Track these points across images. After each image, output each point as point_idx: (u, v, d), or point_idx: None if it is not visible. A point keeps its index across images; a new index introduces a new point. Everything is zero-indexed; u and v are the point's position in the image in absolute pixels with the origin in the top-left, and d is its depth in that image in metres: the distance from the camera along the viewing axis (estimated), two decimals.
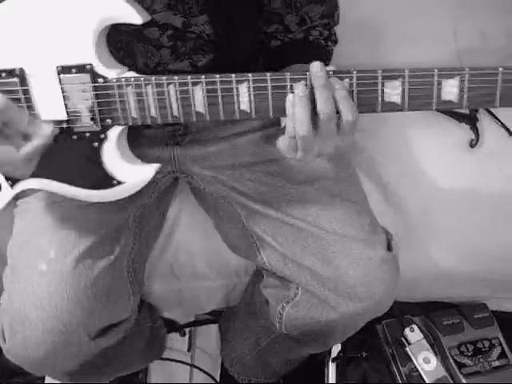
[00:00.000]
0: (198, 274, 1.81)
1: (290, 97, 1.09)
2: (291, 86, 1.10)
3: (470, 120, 1.77)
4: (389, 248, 1.47)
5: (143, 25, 1.15)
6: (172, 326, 2.11)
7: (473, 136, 1.76)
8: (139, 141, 1.32)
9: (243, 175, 1.49)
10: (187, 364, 2.07)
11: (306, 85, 1.08)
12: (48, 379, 1.96)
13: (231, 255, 1.72)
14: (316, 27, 1.39)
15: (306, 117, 1.07)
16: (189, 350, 2.11)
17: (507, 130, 1.76)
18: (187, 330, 2.12)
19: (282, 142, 1.14)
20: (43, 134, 1.13)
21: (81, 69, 1.15)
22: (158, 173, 1.27)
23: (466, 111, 1.78)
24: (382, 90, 1.08)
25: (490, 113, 1.78)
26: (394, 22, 1.83)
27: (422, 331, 1.91)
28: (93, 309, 1.35)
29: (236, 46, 1.36)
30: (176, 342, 2.10)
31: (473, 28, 1.82)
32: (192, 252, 1.77)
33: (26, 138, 1.12)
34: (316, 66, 1.07)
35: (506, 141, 1.77)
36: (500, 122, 1.77)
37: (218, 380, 2.06)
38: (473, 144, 1.76)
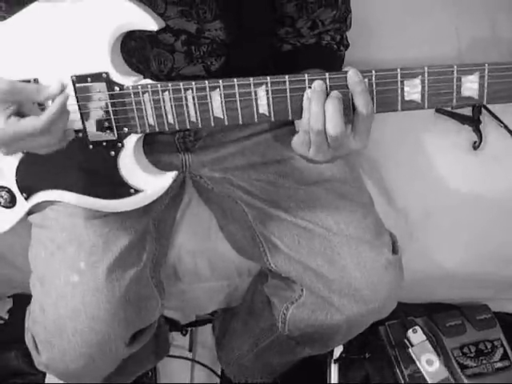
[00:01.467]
0: (200, 275, 1.80)
1: (307, 91, 1.10)
2: (310, 87, 1.10)
3: (473, 122, 1.77)
4: (394, 250, 1.47)
5: (157, 31, 1.14)
6: (174, 325, 2.12)
7: (476, 138, 1.76)
8: (150, 148, 1.31)
9: (251, 176, 1.49)
10: (189, 359, 2.08)
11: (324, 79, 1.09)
12: (48, 379, 1.96)
13: (234, 256, 1.71)
14: (328, 32, 1.39)
15: (320, 111, 1.08)
16: (190, 350, 2.12)
17: (510, 132, 1.76)
18: (187, 337, 2.13)
19: (297, 137, 1.15)
20: (56, 102, 1.09)
21: (96, 77, 1.14)
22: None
23: (469, 113, 1.78)
24: (402, 89, 1.08)
25: (493, 115, 1.78)
26: (395, 14, 1.84)
27: (424, 333, 1.92)
28: (127, 317, 1.35)
29: (249, 50, 1.35)
30: (177, 342, 2.12)
31: (475, 16, 1.83)
32: (194, 253, 1.75)
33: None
34: (355, 75, 1.08)
35: (509, 143, 1.77)
36: (503, 123, 1.77)
37: (220, 375, 2.08)
38: (476, 146, 1.75)
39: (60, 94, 1.10)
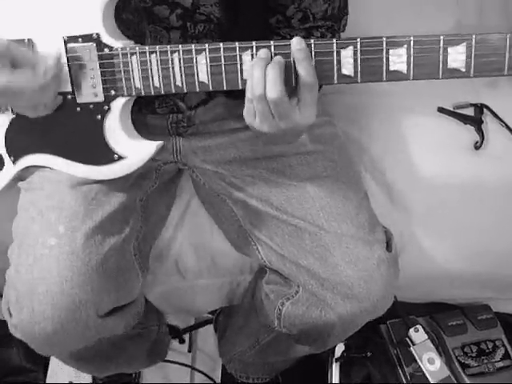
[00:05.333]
0: (203, 272, 1.82)
1: (253, 60, 1.13)
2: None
3: (475, 122, 1.78)
4: (388, 248, 1.46)
5: (153, 3, 1.17)
6: (172, 332, 2.12)
7: (478, 138, 1.77)
8: (142, 130, 1.33)
9: (244, 171, 1.50)
10: (186, 366, 2.08)
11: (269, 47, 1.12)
12: (49, 379, 1.97)
13: (235, 253, 1.71)
14: (318, 28, 1.39)
15: (261, 76, 1.10)
16: (189, 351, 2.12)
17: None
18: (187, 337, 2.14)
19: (245, 107, 1.17)
20: (50, 62, 1.15)
21: (87, 38, 1.18)
22: (160, 159, 1.27)
23: (471, 113, 1.80)
24: (387, 58, 1.08)
25: (495, 115, 1.80)
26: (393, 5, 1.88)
27: (426, 332, 1.90)
28: (102, 286, 1.33)
29: (244, 32, 1.35)
30: (176, 343, 2.12)
31: (472, 4, 1.85)
32: (196, 250, 1.77)
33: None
34: (297, 43, 1.10)
35: (510, 143, 1.79)
36: (505, 123, 1.78)
37: (220, 381, 2.07)
38: (478, 146, 1.77)
39: (55, 56, 1.15)
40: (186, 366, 2.08)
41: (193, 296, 1.92)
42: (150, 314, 1.81)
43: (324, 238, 1.42)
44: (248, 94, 1.14)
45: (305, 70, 1.10)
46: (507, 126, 1.79)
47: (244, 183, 1.50)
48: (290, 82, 1.12)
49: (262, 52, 1.12)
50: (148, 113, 1.45)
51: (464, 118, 1.80)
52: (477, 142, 1.77)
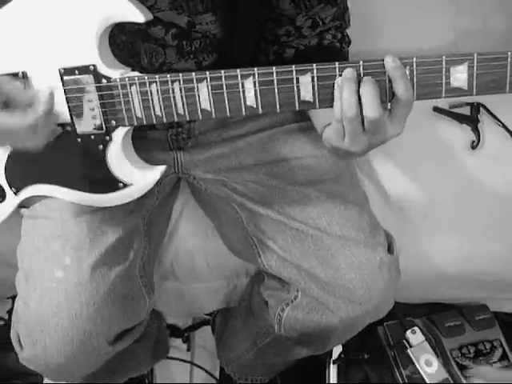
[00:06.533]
0: (199, 275, 1.81)
1: (338, 79, 1.07)
2: (297, 78, 1.08)
3: (472, 121, 1.77)
4: (390, 250, 1.46)
5: (147, 25, 1.14)
6: (174, 331, 2.13)
7: (474, 137, 1.76)
8: (142, 145, 1.31)
9: (245, 177, 1.49)
10: (186, 362, 2.09)
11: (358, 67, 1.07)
12: (46, 380, 1.96)
13: (231, 256, 1.71)
14: (329, 30, 1.36)
15: (352, 97, 1.06)
16: (188, 350, 2.13)
17: (508, 131, 1.76)
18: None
19: (330, 128, 1.14)
20: (43, 101, 1.12)
21: (84, 70, 1.14)
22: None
23: (467, 112, 1.78)
24: (390, 80, 1.06)
25: (492, 114, 1.78)
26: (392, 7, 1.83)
27: (423, 333, 1.91)
28: (111, 315, 1.34)
29: (241, 47, 1.34)
30: (175, 342, 2.14)
31: (472, 12, 1.82)
32: (192, 253, 1.76)
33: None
34: (392, 61, 1.05)
35: (507, 142, 1.77)
36: (501, 123, 1.77)
37: (218, 377, 2.08)
38: (474, 145, 1.75)
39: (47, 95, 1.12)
40: (186, 361, 2.11)
41: (190, 299, 1.92)
42: (151, 313, 1.81)
43: (326, 242, 1.42)
44: (337, 116, 1.09)
45: (404, 87, 1.05)
46: (504, 126, 1.77)
47: (246, 189, 1.49)
48: (384, 99, 1.07)
49: (348, 72, 1.06)
50: (147, 128, 1.42)
51: (460, 118, 1.78)
52: (473, 142, 1.76)
